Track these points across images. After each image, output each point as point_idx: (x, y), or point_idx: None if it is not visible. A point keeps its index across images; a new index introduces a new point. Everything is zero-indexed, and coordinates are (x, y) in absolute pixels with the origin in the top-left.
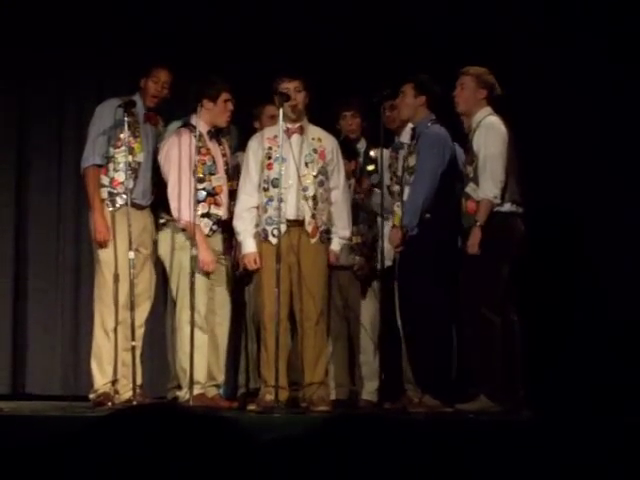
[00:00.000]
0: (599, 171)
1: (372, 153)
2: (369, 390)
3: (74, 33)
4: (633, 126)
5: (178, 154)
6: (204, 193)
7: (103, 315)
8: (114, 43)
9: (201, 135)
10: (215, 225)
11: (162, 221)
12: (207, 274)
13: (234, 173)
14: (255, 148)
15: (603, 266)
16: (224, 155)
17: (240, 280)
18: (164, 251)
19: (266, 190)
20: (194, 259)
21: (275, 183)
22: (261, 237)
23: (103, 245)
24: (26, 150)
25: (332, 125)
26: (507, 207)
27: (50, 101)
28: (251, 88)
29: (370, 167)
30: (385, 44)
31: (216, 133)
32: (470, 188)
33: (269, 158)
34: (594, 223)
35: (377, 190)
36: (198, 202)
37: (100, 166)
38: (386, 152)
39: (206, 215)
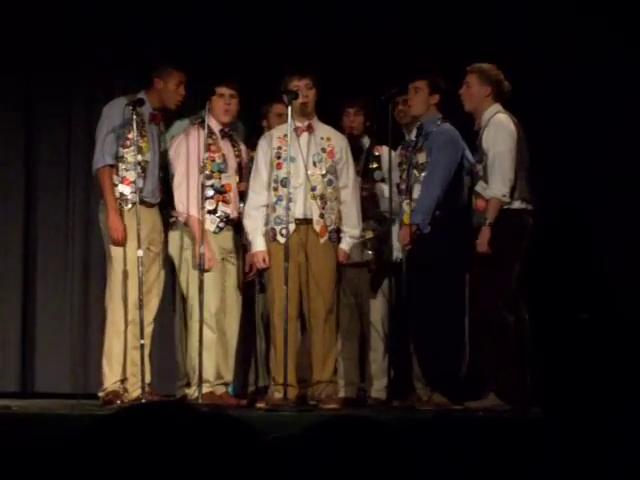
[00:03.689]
0: (610, 168)
1: (377, 153)
2: (378, 388)
3: (83, 33)
4: None
5: (186, 149)
6: (212, 191)
7: (115, 314)
8: (123, 43)
9: (213, 133)
10: (223, 223)
11: (172, 220)
12: (206, 271)
13: (248, 174)
14: (265, 147)
15: (612, 262)
16: (238, 156)
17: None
18: (174, 249)
19: (275, 190)
20: (201, 257)
21: (284, 182)
22: (270, 236)
23: (120, 244)
24: (35, 149)
25: (339, 124)
26: (517, 204)
27: (59, 101)
28: (258, 86)
29: (373, 165)
30: (392, 44)
31: (230, 133)
32: (480, 186)
33: (278, 157)
34: (604, 220)
35: (383, 186)
36: (206, 199)
37: (112, 166)
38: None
39: (213, 212)
